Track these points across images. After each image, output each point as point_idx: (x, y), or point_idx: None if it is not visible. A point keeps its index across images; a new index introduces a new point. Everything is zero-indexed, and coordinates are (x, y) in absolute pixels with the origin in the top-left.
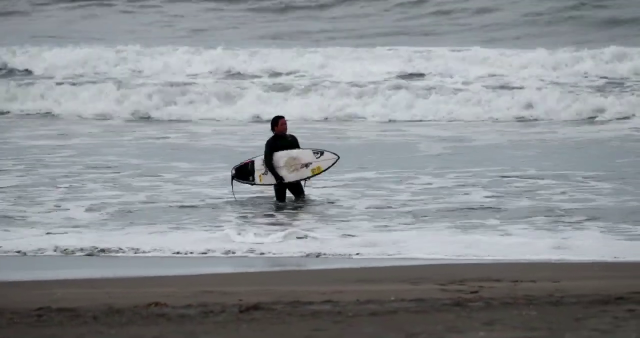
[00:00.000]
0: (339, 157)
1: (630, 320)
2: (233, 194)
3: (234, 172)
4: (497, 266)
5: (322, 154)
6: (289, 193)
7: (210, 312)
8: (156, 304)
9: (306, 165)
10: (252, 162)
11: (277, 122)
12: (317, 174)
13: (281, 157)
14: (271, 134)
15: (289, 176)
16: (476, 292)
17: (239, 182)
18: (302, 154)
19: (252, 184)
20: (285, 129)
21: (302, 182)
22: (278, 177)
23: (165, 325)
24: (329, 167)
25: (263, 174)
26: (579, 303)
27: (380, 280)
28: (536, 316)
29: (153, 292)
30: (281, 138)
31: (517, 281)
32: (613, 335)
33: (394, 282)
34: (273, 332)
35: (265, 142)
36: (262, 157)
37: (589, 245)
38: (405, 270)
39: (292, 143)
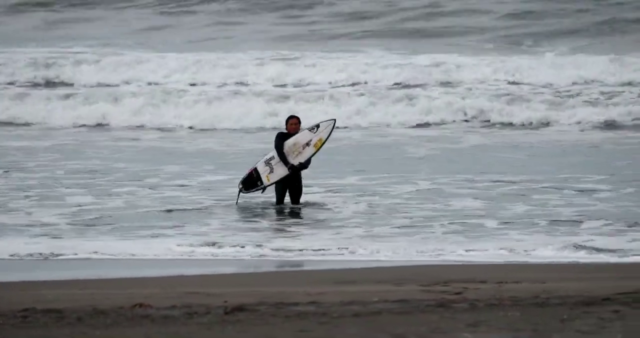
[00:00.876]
0: (335, 120)
1: (615, 321)
2: (237, 203)
3: (241, 186)
4: (482, 267)
5: (317, 126)
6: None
7: (194, 313)
8: (140, 305)
9: (307, 144)
10: (255, 169)
11: (288, 121)
12: (321, 146)
13: (283, 146)
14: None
15: (295, 160)
16: (460, 293)
17: (249, 192)
18: (300, 137)
19: (263, 189)
20: (294, 129)
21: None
22: (288, 164)
23: (150, 326)
24: (330, 134)
25: (269, 174)
26: (564, 304)
27: (364, 282)
28: (521, 317)
29: (137, 293)
30: (289, 135)
31: (501, 282)
32: (598, 336)
33: (378, 283)
34: (258, 333)
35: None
36: (263, 161)
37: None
38: (389, 271)
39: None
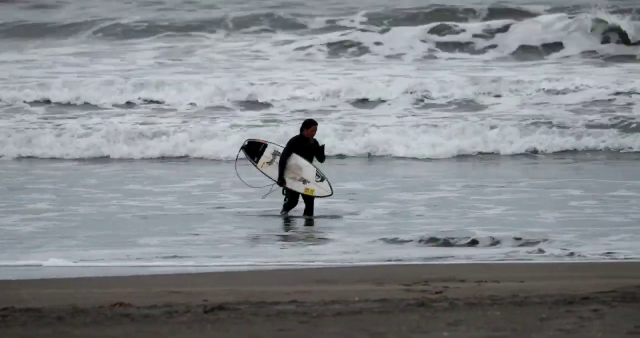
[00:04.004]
0: (332, 193)
1: (595, 320)
2: (235, 166)
3: (246, 143)
4: (462, 267)
5: (322, 180)
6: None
7: (174, 312)
8: (121, 304)
9: (304, 181)
10: (265, 146)
11: (310, 126)
12: (308, 195)
13: (290, 159)
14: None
15: (287, 181)
16: (440, 292)
17: (245, 156)
18: (307, 169)
19: (254, 165)
20: (313, 135)
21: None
22: (281, 179)
23: (130, 326)
24: (319, 197)
25: (267, 163)
26: (543, 303)
27: (345, 281)
28: (500, 316)
29: (117, 292)
30: (306, 140)
31: (481, 281)
32: (578, 335)
33: (359, 283)
34: (238, 332)
35: (290, 139)
36: (276, 146)
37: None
38: (369, 271)
39: (313, 149)
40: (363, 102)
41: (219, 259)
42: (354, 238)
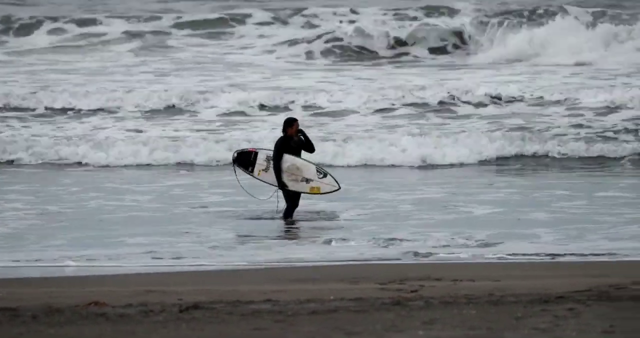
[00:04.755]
0: (339, 188)
1: (570, 319)
2: (237, 180)
3: (235, 155)
4: (437, 265)
5: (325, 175)
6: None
7: (150, 312)
8: (96, 303)
9: (307, 181)
10: (256, 154)
11: (292, 124)
12: (313, 194)
13: (285, 161)
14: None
15: (288, 183)
16: (416, 291)
17: (238, 168)
18: (305, 168)
19: (249, 175)
20: (296, 132)
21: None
22: (281, 183)
23: (105, 325)
24: (327, 193)
25: (263, 170)
26: (518, 302)
27: (320, 280)
28: (476, 315)
29: (93, 291)
30: (290, 139)
31: (457, 280)
32: (553, 333)
33: (334, 281)
34: (213, 332)
35: (276, 141)
36: (268, 152)
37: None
38: (345, 270)
39: (300, 145)
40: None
41: (194, 259)
42: (331, 237)
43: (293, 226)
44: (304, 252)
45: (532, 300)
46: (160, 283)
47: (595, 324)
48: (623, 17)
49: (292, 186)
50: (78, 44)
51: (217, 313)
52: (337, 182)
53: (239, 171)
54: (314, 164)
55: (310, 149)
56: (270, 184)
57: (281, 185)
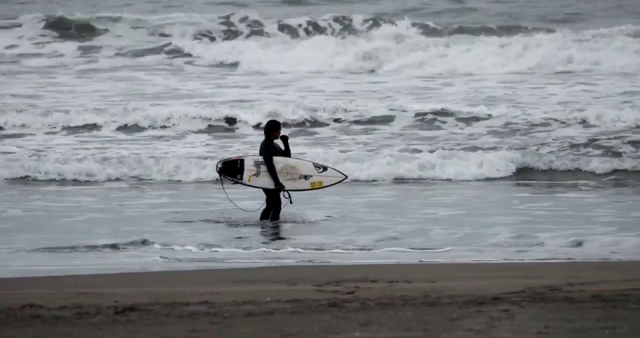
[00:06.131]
0: (346, 177)
1: (505, 320)
2: (224, 191)
3: (220, 166)
4: (374, 267)
5: (325, 169)
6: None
7: (85, 314)
8: (31, 306)
9: (305, 177)
10: (242, 161)
11: (279, 129)
12: (316, 189)
13: (277, 162)
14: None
15: (285, 184)
16: (352, 292)
17: (226, 178)
18: (301, 165)
19: (239, 183)
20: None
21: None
22: (279, 184)
23: (40, 327)
24: (333, 185)
25: (254, 175)
26: (454, 303)
27: (257, 281)
28: (412, 316)
29: (27, 293)
30: (273, 143)
31: (393, 282)
32: (488, 335)
33: (271, 283)
34: (149, 333)
35: (261, 146)
36: (255, 157)
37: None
38: (282, 271)
39: (279, 150)
40: None
41: (129, 259)
42: (270, 239)
43: (263, 229)
44: (247, 254)
45: (468, 302)
46: (96, 284)
47: (530, 325)
48: None
49: (291, 185)
50: None
51: (154, 315)
52: (340, 172)
53: (227, 181)
54: (308, 160)
55: (288, 152)
56: (262, 188)
57: (280, 185)
